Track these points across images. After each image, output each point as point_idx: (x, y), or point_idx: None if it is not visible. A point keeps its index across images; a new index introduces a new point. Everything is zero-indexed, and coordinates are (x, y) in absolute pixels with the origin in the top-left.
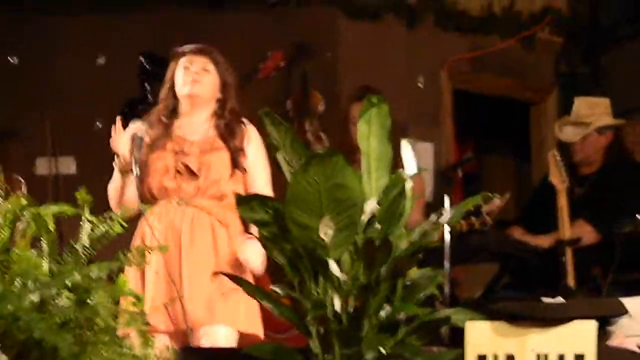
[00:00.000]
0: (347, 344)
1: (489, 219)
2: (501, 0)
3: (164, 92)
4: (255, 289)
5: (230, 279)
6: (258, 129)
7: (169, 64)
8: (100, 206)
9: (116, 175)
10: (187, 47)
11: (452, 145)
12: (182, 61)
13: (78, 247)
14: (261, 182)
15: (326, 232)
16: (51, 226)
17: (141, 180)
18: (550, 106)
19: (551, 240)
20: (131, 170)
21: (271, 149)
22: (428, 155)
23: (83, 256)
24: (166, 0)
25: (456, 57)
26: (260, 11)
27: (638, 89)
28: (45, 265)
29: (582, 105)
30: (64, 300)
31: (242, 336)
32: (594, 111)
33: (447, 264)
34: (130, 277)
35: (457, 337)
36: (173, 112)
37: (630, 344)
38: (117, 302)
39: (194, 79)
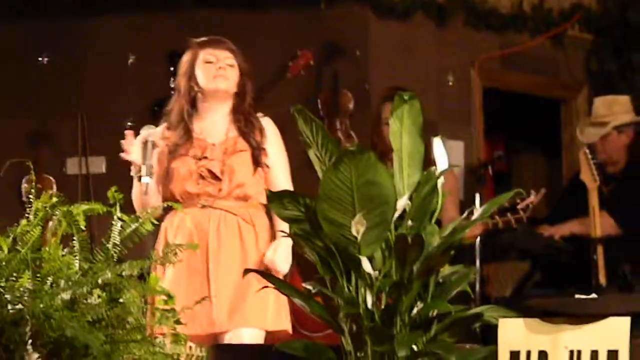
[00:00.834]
0: (379, 341)
1: (525, 215)
2: None
3: (182, 84)
4: (286, 286)
5: (262, 277)
6: (290, 125)
7: None
8: (130, 206)
9: (135, 182)
10: (204, 40)
11: (482, 144)
12: (204, 54)
13: (109, 245)
14: (282, 176)
15: (358, 229)
16: (82, 224)
17: (163, 185)
18: (580, 103)
19: (580, 225)
20: (140, 177)
21: (304, 146)
22: (458, 153)
23: (114, 254)
24: None
25: (486, 55)
26: (290, 10)
27: None
28: (76, 263)
29: (600, 104)
30: (95, 298)
31: (272, 334)
32: (612, 110)
33: (477, 262)
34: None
35: (488, 335)
36: (192, 107)
37: None
38: (147, 302)
39: (222, 74)
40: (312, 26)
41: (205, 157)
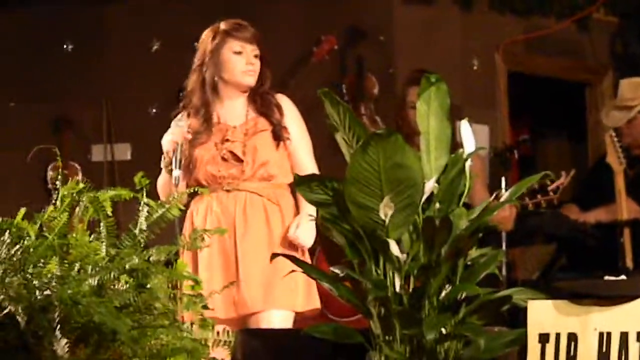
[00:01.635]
0: (408, 324)
1: (555, 197)
2: None
3: (207, 72)
4: (313, 269)
5: (289, 260)
6: (316, 110)
7: None
8: (155, 192)
9: (163, 173)
10: (230, 26)
11: (507, 128)
12: (231, 43)
13: (136, 231)
14: (305, 155)
15: (386, 212)
16: (109, 210)
17: (186, 173)
18: (606, 87)
19: (607, 213)
20: (170, 170)
21: (331, 130)
22: (484, 137)
23: (141, 240)
24: None
25: (511, 39)
26: None
27: None
28: (103, 249)
29: (626, 88)
30: (123, 284)
31: (302, 314)
32: (638, 93)
33: (504, 246)
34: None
35: (516, 318)
36: (214, 93)
37: None
38: (175, 287)
39: (252, 70)
40: (336, 11)
41: (227, 140)
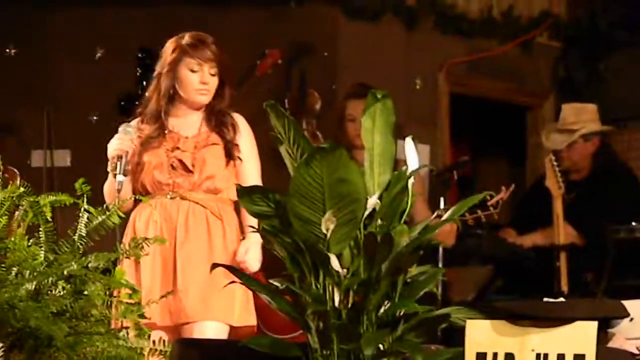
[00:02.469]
0: (346, 339)
1: (495, 211)
2: (500, 4)
3: (163, 84)
4: (254, 282)
5: (230, 271)
6: (259, 123)
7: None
8: (95, 199)
9: (110, 177)
10: (190, 42)
11: (447, 148)
12: (189, 61)
13: (75, 237)
14: (253, 174)
15: (328, 226)
16: (48, 215)
17: (133, 177)
18: (547, 111)
19: (543, 237)
20: (115, 175)
21: (275, 142)
22: (424, 157)
23: (80, 246)
24: None
25: (454, 59)
26: (258, 8)
27: (635, 96)
28: (41, 254)
29: (568, 111)
30: (60, 290)
31: (237, 330)
32: (580, 118)
33: (440, 266)
34: (126, 270)
35: (450, 338)
36: (169, 104)
37: (631, 347)
38: (112, 294)
39: (205, 91)
40: (281, 25)
41: (178, 148)
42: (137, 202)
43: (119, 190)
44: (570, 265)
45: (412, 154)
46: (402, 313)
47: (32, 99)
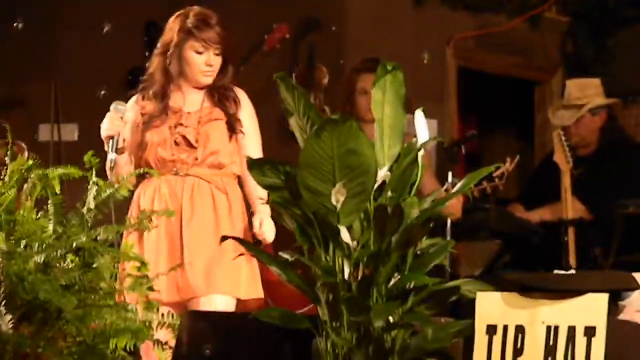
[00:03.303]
0: (356, 311)
1: (501, 182)
2: None
3: (168, 62)
4: (263, 254)
5: (239, 243)
6: (266, 98)
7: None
8: (103, 172)
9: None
10: (196, 22)
11: (455, 122)
12: (194, 41)
13: (83, 210)
14: (254, 149)
15: (338, 198)
16: (57, 188)
17: (136, 155)
18: (554, 86)
19: (552, 212)
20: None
21: (285, 114)
22: (432, 131)
23: (88, 219)
24: None
25: (462, 34)
26: None
27: None
28: (50, 227)
29: (573, 87)
30: (69, 263)
31: (245, 303)
32: (585, 93)
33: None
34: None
35: (459, 311)
36: (174, 81)
37: None
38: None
39: (210, 72)
40: (289, 0)
41: (181, 124)
42: (140, 179)
43: (111, 169)
44: (578, 240)
45: (422, 127)
46: (412, 285)
47: (39, 73)
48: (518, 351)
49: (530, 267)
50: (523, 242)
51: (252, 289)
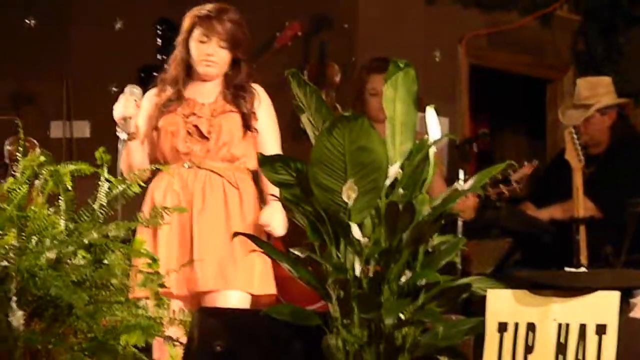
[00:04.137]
0: (366, 308)
1: (519, 186)
2: None
3: (179, 52)
4: (275, 251)
5: (250, 239)
6: (277, 95)
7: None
8: (114, 169)
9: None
10: (204, 13)
11: (467, 121)
12: (199, 31)
13: (95, 206)
14: (272, 144)
15: (349, 195)
16: (69, 184)
17: (151, 143)
18: (566, 84)
19: (563, 210)
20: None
21: (297, 111)
22: (444, 130)
23: (100, 215)
24: None
25: (474, 32)
26: None
27: None
28: (62, 223)
29: (583, 86)
30: (80, 259)
31: (258, 299)
32: (595, 92)
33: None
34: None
35: (470, 309)
36: (187, 73)
37: None
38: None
39: (210, 62)
40: None
41: (194, 114)
42: (154, 173)
43: (123, 149)
44: (589, 238)
45: (434, 124)
46: (423, 283)
47: (51, 70)
48: (529, 349)
49: (542, 265)
50: (534, 240)
51: (265, 284)
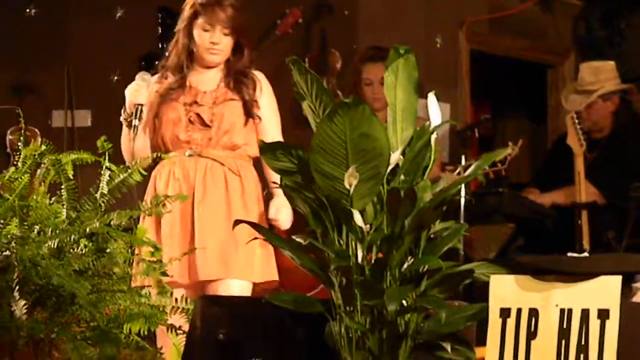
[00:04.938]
0: (369, 295)
1: (503, 167)
2: None
3: (181, 40)
4: (276, 238)
5: (251, 227)
6: (278, 83)
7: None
8: (115, 158)
9: (124, 129)
10: (207, 4)
11: (468, 107)
12: (202, 19)
13: (97, 195)
14: (273, 131)
15: (351, 182)
16: (70, 173)
17: (152, 130)
18: (567, 69)
19: (565, 195)
20: (130, 122)
21: (297, 98)
22: (445, 115)
23: (101, 204)
24: None
25: (475, 17)
26: None
27: None
28: (63, 212)
29: (586, 72)
30: (82, 248)
31: (261, 286)
32: (598, 77)
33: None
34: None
35: (472, 295)
36: (189, 60)
37: None
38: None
39: (215, 50)
40: None
41: (196, 102)
42: (156, 160)
43: (135, 134)
44: (591, 223)
45: (435, 110)
46: (425, 269)
47: (52, 59)
48: (532, 334)
49: (544, 251)
50: (536, 225)
51: (265, 271)
